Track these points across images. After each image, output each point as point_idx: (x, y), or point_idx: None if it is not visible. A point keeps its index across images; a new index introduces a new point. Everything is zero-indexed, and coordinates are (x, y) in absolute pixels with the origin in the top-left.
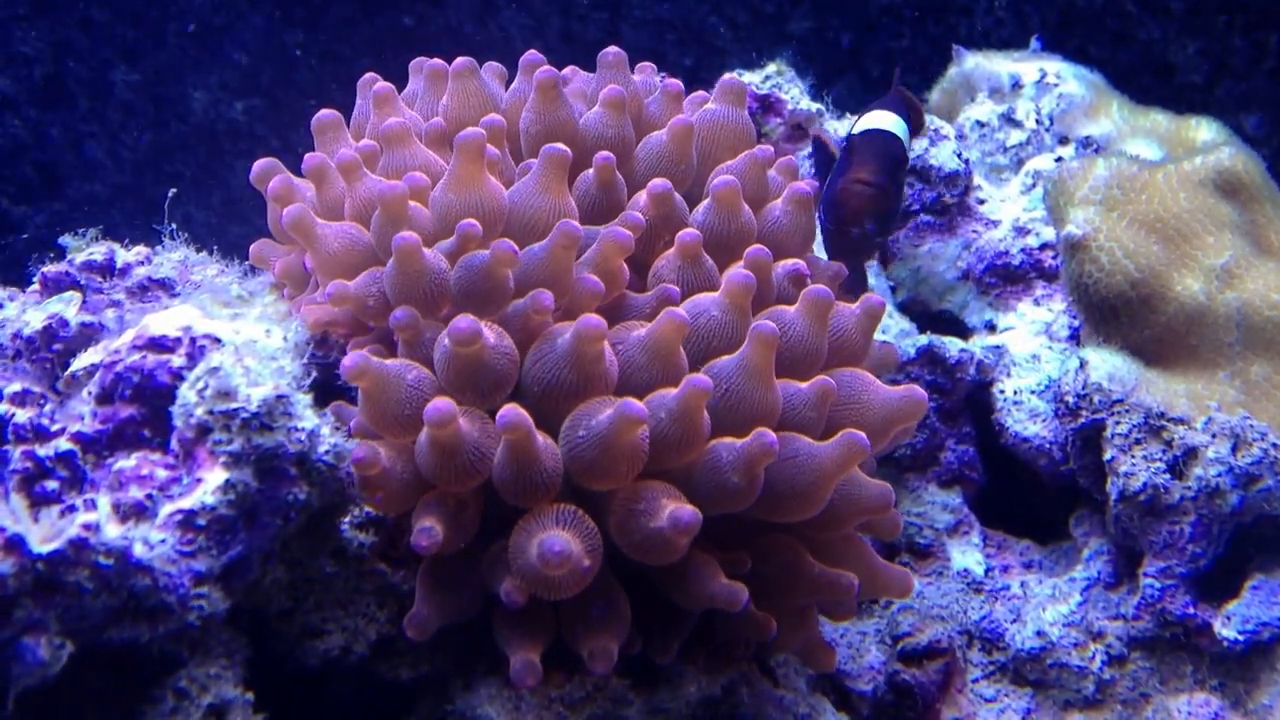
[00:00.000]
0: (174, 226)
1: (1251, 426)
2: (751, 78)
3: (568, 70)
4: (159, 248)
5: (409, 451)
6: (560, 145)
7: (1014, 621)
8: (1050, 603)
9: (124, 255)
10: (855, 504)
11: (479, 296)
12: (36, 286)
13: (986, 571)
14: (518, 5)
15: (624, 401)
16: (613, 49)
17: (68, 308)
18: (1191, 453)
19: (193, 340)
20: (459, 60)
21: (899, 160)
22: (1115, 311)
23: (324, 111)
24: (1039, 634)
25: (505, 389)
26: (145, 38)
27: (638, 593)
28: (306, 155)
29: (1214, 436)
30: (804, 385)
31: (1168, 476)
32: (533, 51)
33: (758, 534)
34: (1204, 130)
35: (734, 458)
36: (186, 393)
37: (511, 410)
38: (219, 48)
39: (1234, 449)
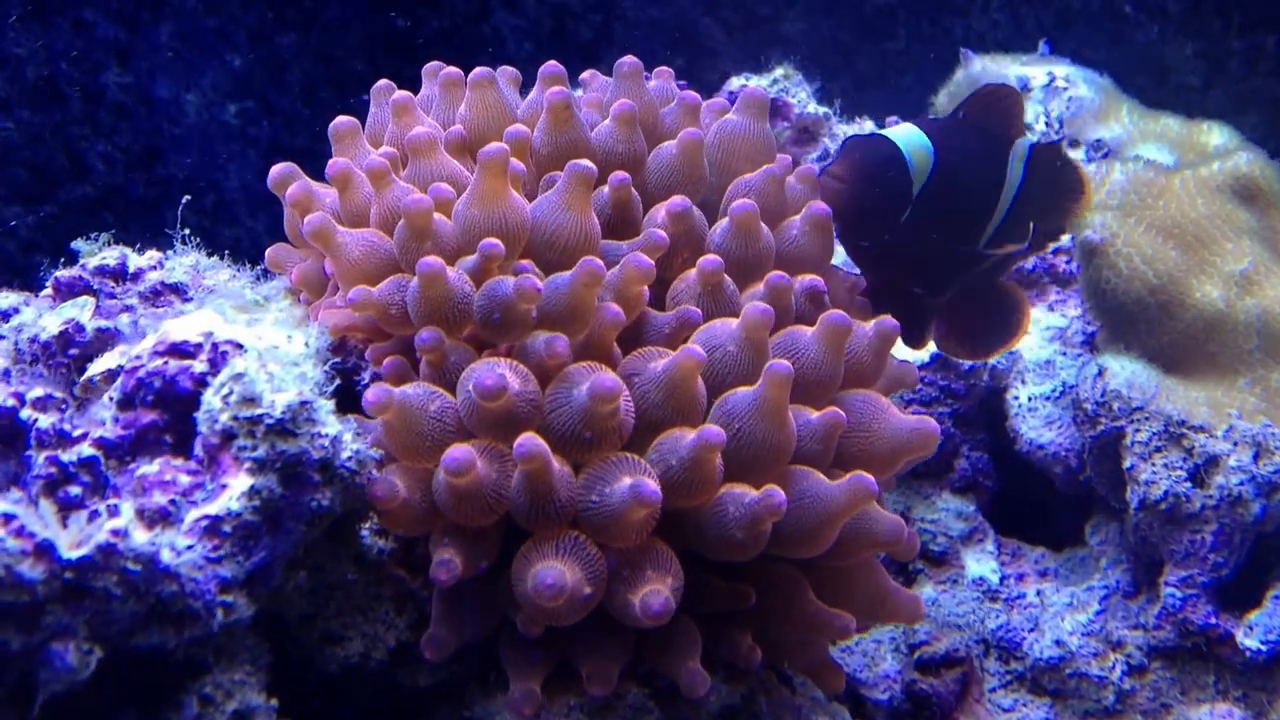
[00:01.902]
0: (187, 231)
1: (1273, 434)
2: (759, 81)
3: (586, 74)
4: (170, 252)
5: (429, 475)
6: (585, 162)
7: (1031, 630)
8: (1068, 611)
9: (136, 260)
10: (867, 537)
11: (500, 326)
12: (49, 291)
13: (1001, 580)
14: (511, 7)
15: (639, 484)
16: (629, 59)
17: (82, 312)
18: (1213, 461)
19: (214, 346)
20: (477, 70)
21: (872, 163)
22: (1133, 318)
23: (341, 118)
24: (1057, 643)
25: (527, 431)
26: (138, 40)
27: None
28: (331, 160)
29: (1235, 445)
30: (814, 416)
31: (1189, 485)
32: (553, 62)
33: (763, 562)
34: (1216, 135)
35: (740, 514)
36: (211, 398)
37: (529, 440)
38: (212, 50)
39: (1256, 457)
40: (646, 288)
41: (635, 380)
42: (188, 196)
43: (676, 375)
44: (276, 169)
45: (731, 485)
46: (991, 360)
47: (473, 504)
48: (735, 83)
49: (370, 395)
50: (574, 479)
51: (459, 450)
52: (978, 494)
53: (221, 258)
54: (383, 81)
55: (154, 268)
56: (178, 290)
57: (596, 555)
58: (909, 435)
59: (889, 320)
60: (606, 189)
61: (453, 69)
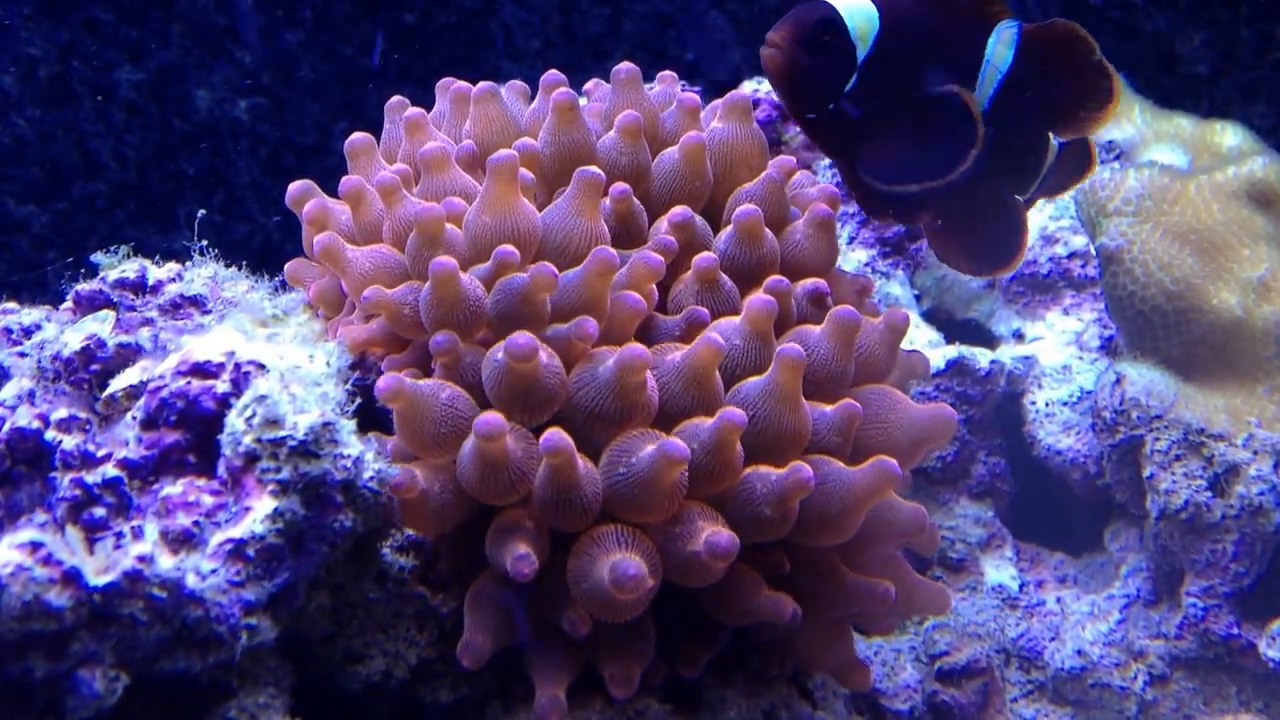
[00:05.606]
0: (205, 244)
1: None
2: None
3: (590, 84)
4: (189, 263)
5: (447, 471)
6: (594, 169)
7: (1052, 639)
8: (1089, 620)
9: (155, 272)
10: (888, 527)
11: (516, 320)
12: (70, 305)
13: (1021, 587)
14: (519, 1)
15: (665, 441)
16: (625, 65)
17: (103, 327)
18: (1233, 470)
19: (237, 366)
20: (480, 85)
21: (807, 28)
22: (1151, 324)
23: (356, 135)
24: (1079, 653)
25: (553, 407)
26: (150, 37)
27: (672, 607)
28: (343, 179)
29: (1255, 453)
30: (829, 409)
31: (1209, 494)
32: (553, 71)
33: (791, 548)
34: (1229, 135)
35: (768, 491)
36: (235, 420)
37: (555, 435)
38: (222, 46)
39: (1276, 466)
40: (657, 294)
41: (655, 372)
42: (202, 211)
43: (696, 364)
44: (294, 187)
45: (755, 466)
46: (990, 277)
47: (498, 477)
48: (748, 86)
49: (381, 383)
50: (598, 476)
51: (491, 415)
52: (995, 499)
53: (231, 256)
54: (396, 98)
55: (173, 280)
56: (197, 303)
57: (651, 547)
58: (927, 423)
59: (899, 312)
60: (608, 202)
61: (462, 84)
